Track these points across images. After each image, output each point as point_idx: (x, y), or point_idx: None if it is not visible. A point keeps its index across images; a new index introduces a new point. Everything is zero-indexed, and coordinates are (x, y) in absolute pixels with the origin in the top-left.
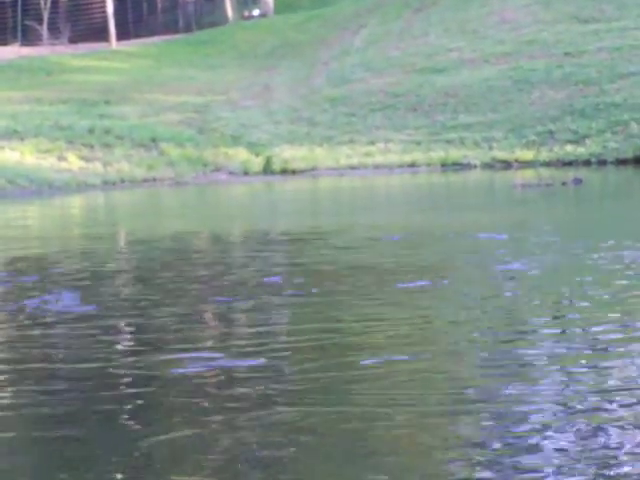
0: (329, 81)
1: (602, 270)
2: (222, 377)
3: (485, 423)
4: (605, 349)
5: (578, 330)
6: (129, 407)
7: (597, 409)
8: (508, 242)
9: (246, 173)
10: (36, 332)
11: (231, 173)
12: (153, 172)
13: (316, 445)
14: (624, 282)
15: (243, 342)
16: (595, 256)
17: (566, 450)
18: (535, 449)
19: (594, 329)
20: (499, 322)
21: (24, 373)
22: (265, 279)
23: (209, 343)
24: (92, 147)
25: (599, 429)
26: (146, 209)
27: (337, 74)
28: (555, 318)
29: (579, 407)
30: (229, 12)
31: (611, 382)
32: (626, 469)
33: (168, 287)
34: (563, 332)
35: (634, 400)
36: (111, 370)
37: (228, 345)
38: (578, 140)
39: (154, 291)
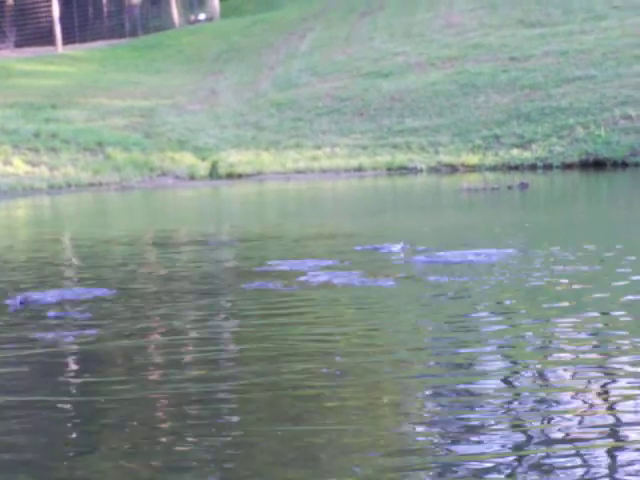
0: (275, 85)
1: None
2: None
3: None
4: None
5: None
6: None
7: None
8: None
9: (192, 177)
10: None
11: (177, 177)
12: (99, 176)
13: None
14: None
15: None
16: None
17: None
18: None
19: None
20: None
21: None
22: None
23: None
24: (38, 151)
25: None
26: (76, 214)
27: (283, 78)
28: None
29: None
30: (175, 16)
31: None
32: None
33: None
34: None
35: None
36: None
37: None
38: (524, 144)
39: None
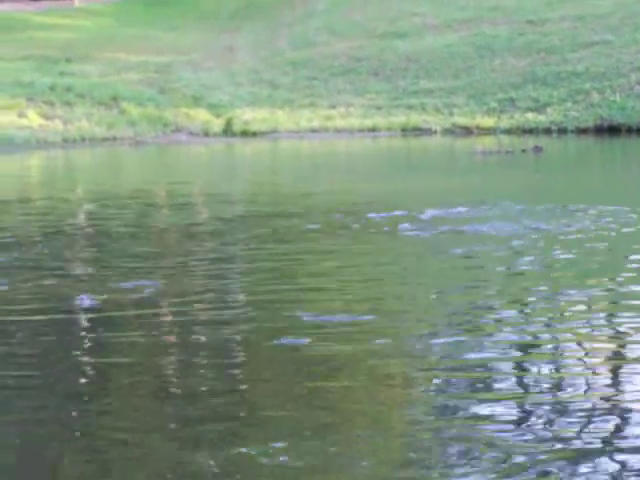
0: (292, 44)
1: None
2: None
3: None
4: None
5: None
6: None
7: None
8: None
9: (206, 134)
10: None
11: (191, 134)
12: (113, 131)
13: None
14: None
15: None
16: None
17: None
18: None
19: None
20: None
21: None
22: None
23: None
24: (53, 105)
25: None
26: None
27: (300, 37)
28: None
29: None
30: None
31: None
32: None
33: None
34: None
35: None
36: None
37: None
38: (539, 108)
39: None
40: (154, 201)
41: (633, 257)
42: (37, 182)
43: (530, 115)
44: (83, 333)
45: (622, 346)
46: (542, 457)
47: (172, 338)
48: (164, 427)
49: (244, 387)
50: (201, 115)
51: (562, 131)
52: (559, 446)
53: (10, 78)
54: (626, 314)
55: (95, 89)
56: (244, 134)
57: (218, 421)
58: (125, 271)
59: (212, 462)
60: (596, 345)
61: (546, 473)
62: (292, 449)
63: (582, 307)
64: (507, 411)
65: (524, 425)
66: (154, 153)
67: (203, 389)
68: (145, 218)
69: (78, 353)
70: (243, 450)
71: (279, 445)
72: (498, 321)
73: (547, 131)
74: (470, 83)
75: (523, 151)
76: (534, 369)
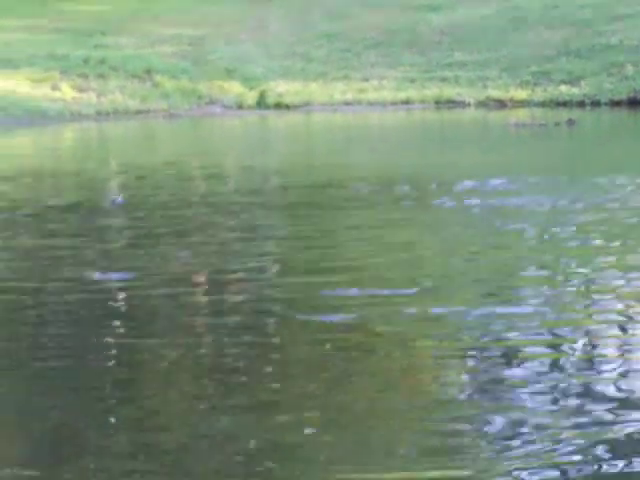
0: (325, 16)
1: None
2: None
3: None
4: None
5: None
6: None
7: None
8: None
9: (240, 107)
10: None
11: (225, 106)
12: (147, 104)
13: None
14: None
15: None
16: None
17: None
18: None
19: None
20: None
21: None
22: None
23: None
24: (86, 77)
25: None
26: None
27: (333, 9)
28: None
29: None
30: None
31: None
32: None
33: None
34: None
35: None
36: None
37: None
38: (572, 81)
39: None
40: (188, 174)
41: None
42: (71, 155)
43: (564, 88)
44: (112, 311)
45: None
46: (576, 430)
47: (205, 314)
48: (197, 399)
49: (277, 366)
50: (235, 88)
51: (596, 104)
52: (598, 422)
53: (44, 51)
54: None
55: (129, 62)
56: (277, 107)
57: (251, 397)
58: (157, 245)
59: (244, 432)
60: (634, 321)
61: (583, 446)
62: (326, 426)
63: (621, 282)
64: (543, 384)
65: (559, 400)
66: (188, 126)
67: (236, 366)
68: (179, 190)
69: (108, 332)
70: (275, 425)
71: (311, 423)
72: (538, 295)
73: (581, 104)
74: (504, 56)
75: (556, 124)
76: (569, 347)
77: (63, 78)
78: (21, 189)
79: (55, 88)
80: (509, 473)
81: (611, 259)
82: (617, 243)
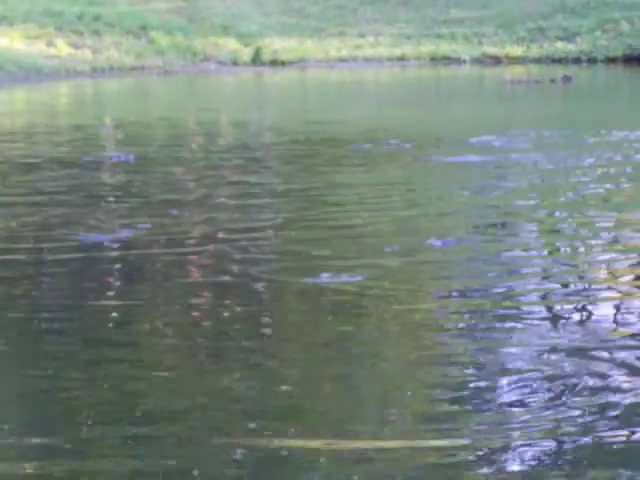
0: None
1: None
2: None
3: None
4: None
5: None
6: None
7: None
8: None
9: (235, 63)
10: None
11: (220, 63)
12: (142, 60)
13: None
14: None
15: None
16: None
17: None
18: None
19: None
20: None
21: None
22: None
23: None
24: (81, 34)
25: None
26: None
27: None
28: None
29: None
30: None
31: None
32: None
33: None
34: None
35: None
36: None
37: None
38: (568, 38)
39: None
40: (182, 130)
41: None
42: (66, 110)
43: (559, 44)
44: (105, 272)
45: None
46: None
47: (198, 276)
48: (192, 359)
49: (270, 329)
50: (230, 44)
51: (591, 60)
52: (600, 390)
53: (39, 7)
54: None
55: (124, 18)
56: (273, 63)
57: (246, 360)
58: (150, 203)
59: (241, 394)
60: (633, 273)
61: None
62: (316, 391)
63: (620, 235)
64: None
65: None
66: (183, 82)
67: (229, 330)
68: (173, 146)
69: (101, 294)
70: (269, 387)
71: (306, 386)
72: (539, 252)
73: (576, 60)
74: (499, 12)
75: (552, 81)
76: (568, 307)
77: (58, 35)
78: (18, 144)
79: (50, 45)
80: (508, 443)
81: (611, 209)
82: (615, 194)
